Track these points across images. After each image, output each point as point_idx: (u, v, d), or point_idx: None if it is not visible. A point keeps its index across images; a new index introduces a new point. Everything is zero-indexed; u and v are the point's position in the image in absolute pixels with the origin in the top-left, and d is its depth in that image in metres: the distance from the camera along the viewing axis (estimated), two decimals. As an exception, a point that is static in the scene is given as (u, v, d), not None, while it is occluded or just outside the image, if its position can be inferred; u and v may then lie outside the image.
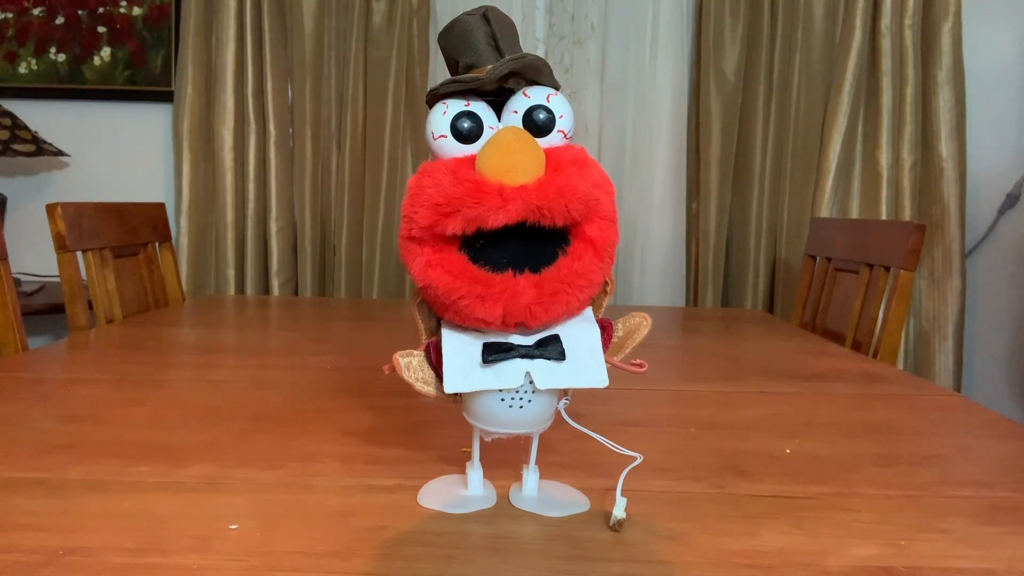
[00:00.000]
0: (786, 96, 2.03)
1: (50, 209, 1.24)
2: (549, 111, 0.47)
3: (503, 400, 0.47)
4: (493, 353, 0.46)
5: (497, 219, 0.43)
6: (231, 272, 2.09)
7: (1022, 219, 2.08)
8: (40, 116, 2.14)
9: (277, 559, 0.44)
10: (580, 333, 0.48)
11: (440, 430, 0.69)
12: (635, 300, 2.09)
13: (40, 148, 2.00)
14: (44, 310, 1.81)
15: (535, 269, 0.45)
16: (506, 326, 0.46)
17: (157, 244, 1.54)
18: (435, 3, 2.09)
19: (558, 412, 0.50)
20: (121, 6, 2.14)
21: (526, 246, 0.45)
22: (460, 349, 0.47)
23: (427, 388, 0.49)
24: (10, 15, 2.14)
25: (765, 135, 2.05)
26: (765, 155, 2.05)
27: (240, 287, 2.11)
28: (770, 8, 2.01)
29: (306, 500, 0.53)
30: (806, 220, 1.99)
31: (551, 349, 0.47)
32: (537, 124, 0.47)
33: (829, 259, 1.53)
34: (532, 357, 0.46)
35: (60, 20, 2.14)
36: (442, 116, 0.47)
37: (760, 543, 0.48)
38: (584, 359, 0.48)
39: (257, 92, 2.08)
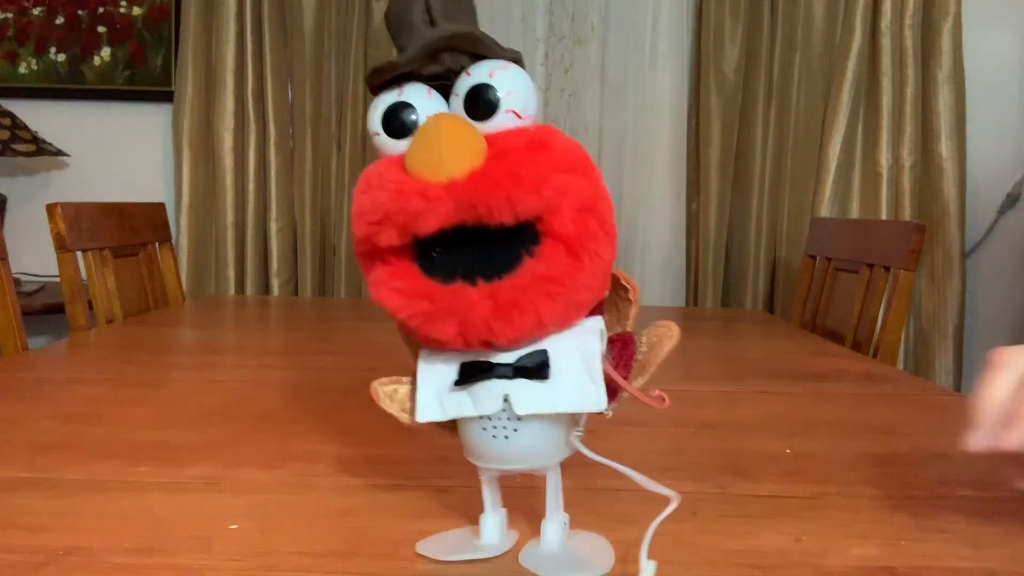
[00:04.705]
0: (786, 96, 2.03)
1: (50, 209, 1.24)
2: (491, 88, 0.40)
3: (484, 429, 0.41)
4: (468, 373, 0.41)
5: (427, 224, 0.38)
6: (231, 272, 2.09)
7: (1022, 219, 2.08)
8: (40, 116, 2.14)
9: (277, 559, 0.44)
10: (573, 347, 0.41)
11: (440, 430, 0.69)
12: (635, 300, 2.08)
13: (40, 148, 2.00)
14: (44, 310, 1.81)
15: (497, 276, 0.39)
16: (470, 346, 0.40)
17: (157, 244, 1.54)
18: (435, 3, 2.09)
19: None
20: (121, 6, 2.14)
21: (485, 250, 0.39)
22: (435, 371, 0.42)
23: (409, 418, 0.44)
24: (10, 15, 2.14)
25: (765, 135, 2.05)
26: (765, 155, 2.05)
27: (240, 287, 2.11)
28: (770, 8, 2.01)
29: (306, 500, 0.53)
30: (806, 220, 1.98)
31: (534, 367, 0.40)
32: (480, 105, 0.40)
33: (829, 259, 1.53)
34: (512, 377, 0.40)
35: (60, 20, 2.14)
36: (374, 110, 0.42)
37: (760, 543, 0.48)
38: (575, 377, 0.40)
39: (257, 92, 2.08)
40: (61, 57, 2.15)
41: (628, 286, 0.44)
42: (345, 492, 0.54)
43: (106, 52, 2.15)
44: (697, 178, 2.07)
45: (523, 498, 0.48)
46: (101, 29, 2.15)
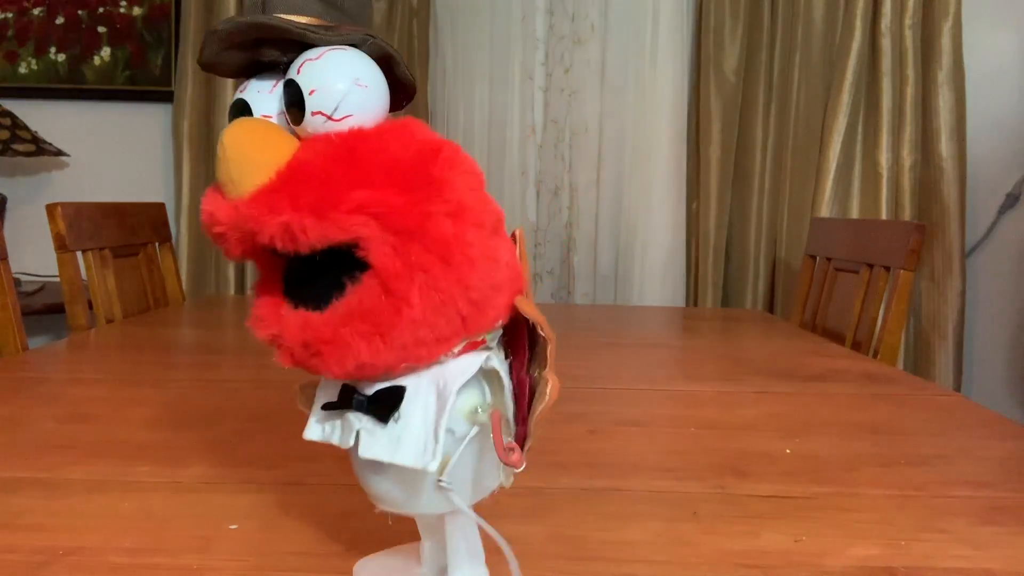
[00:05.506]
0: (786, 96, 2.03)
1: (50, 209, 1.24)
2: (296, 86, 0.33)
3: (359, 460, 0.36)
4: (338, 400, 0.36)
5: (228, 249, 0.34)
6: (231, 272, 2.09)
7: (1022, 219, 2.08)
8: (40, 116, 2.14)
9: (277, 559, 0.44)
10: (432, 390, 0.34)
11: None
12: (635, 300, 2.09)
13: (40, 148, 2.00)
14: (44, 310, 1.81)
15: (317, 306, 0.34)
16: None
17: (157, 244, 1.54)
18: (435, 3, 2.09)
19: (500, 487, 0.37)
20: (121, 6, 2.14)
21: (328, 270, 0.34)
22: (328, 388, 0.38)
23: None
24: (10, 15, 2.14)
25: (765, 135, 2.05)
26: (765, 155, 2.05)
27: (240, 287, 2.11)
28: (770, 8, 2.01)
29: (306, 500, 0.53)
30: (806, 220, 1.99)
31: (377, 406, 0.35)
32: (289, 106, 0.34)
33: (829, 259, 1.53)
34: (366, 412, 0.35)
35: (60, 20, 2.14)
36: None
37: (760, 543, 0.48)
38: (422, 427, 0.34)
39: (257, 92, 2.07)
40: (61, 57, 2.15)
41: (535, 320, 0.35)
42: (345, 492, 0.54)
43: (106, 52, 2.15)
44: (697, 178, 2.07)
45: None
46: (101, 29, 2.15)
